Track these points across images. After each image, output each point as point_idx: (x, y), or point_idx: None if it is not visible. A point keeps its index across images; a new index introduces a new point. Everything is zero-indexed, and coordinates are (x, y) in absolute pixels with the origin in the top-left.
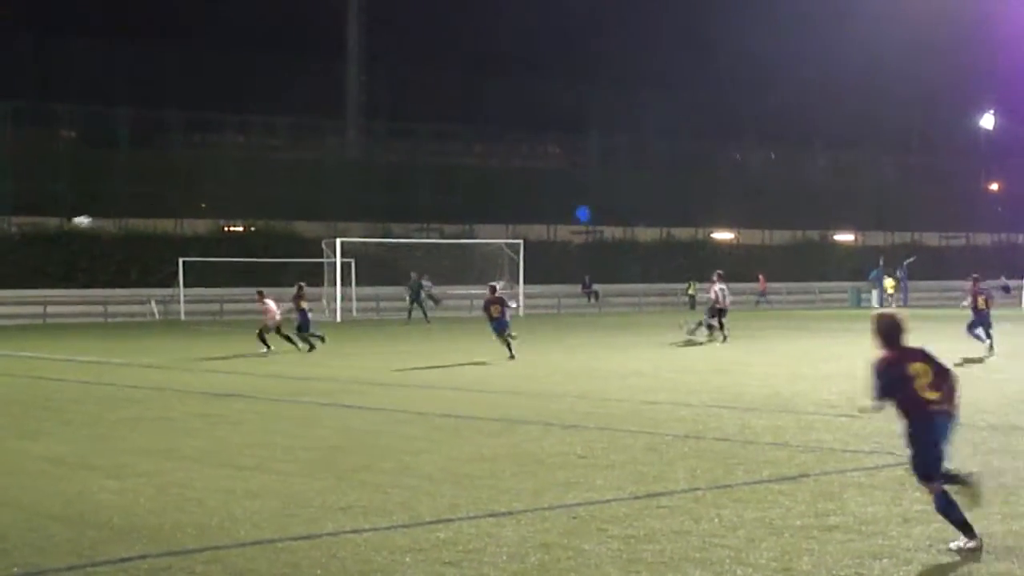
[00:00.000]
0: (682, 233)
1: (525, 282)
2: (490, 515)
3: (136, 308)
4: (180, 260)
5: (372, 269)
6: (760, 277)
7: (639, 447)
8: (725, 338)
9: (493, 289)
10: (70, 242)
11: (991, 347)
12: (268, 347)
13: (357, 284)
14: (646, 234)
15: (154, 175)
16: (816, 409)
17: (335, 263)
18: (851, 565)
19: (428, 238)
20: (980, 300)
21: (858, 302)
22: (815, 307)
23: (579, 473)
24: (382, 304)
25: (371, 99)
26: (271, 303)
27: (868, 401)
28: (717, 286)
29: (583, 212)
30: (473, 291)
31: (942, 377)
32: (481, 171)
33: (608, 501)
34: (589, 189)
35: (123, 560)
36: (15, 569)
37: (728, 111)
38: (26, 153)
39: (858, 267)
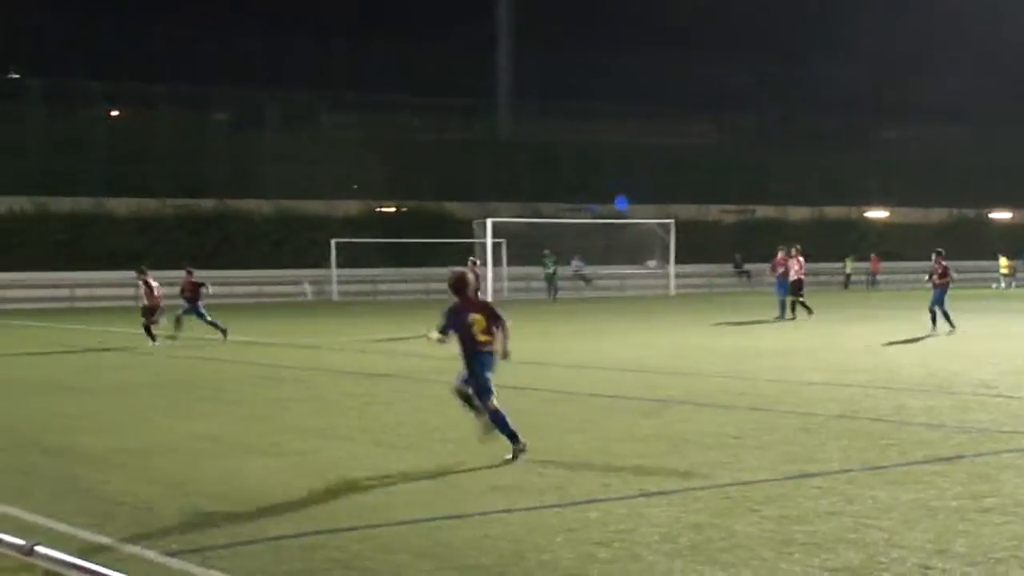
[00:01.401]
0: (835, 212)
1: (676, 261)
2: (641, 495)
3: (289, 289)
4: (332, 241)
5: (523, 249)
6: (872, 257)
7: (791, 427)
8: (794, 316)
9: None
10: (224, 224)
11: None
12: None
13: (508, 264)
14: (798, 212)
15: (306, 157)
16: (972, 389)
17: (486, 243)
18: (1008, 548)
19: (579, 217)
20: None
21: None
22: (970, 286)
23: (731, 453)
24: (533, 284)
25: (520, 78)
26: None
27: (435, 333)
28: (796, 261)
29: (621, 201)
30: (625, 271)
31: (494, 324)
32: (631, 149)
33: (760, 481)
34: (741, 167)
35: (277, 538)
36: (173, 546)
37: (882, 87)
38: (181, 136)
39: (1019, 246)
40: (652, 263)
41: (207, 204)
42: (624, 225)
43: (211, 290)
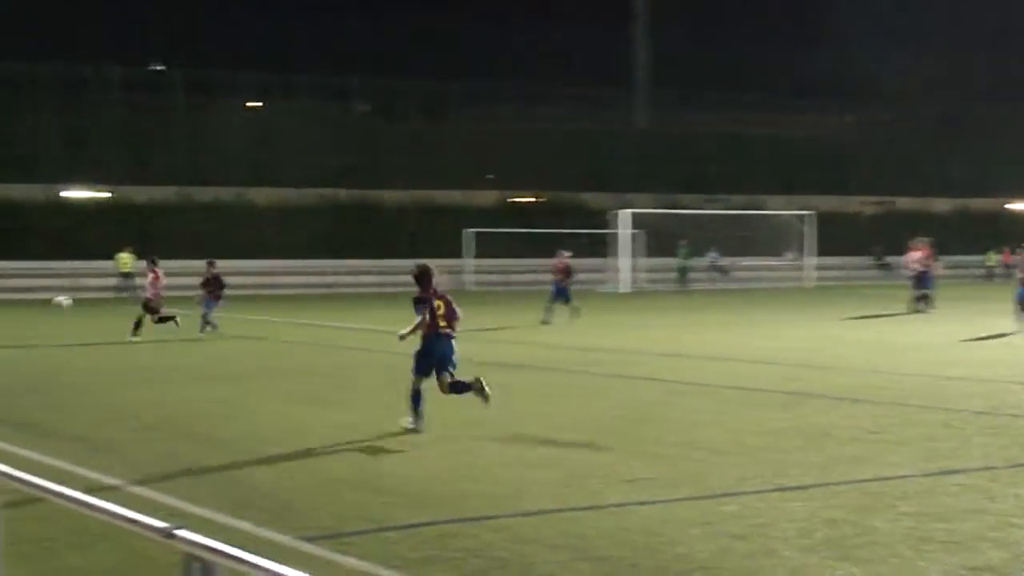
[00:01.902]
0: (979, 204)
1: (814, 253)
2: (778, 489)
3: None
4: (467, 231)
5: (660, 240)
6: (1006, 251)
7: (932, 423)
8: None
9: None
10: (361, 213)
11: None
12: None
13: (646, 255)
14: (941, 204)
15: (443, 146)
16: None
17: (622, 234)
18: None
19: (716, 209)
20: None
21: None
22: None
23: (869, 448)
24: (669, 275)
25: (658, 68)
26: None
27: (405, 329)
28: (918, 255)
29: None
30: (762, 262)
31: (451, 314)
32: (771, 140)
33: (900, 478)
34: (882, 158)
35: (412, 526)
36: (309, 532)
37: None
38: (321, 126)
39: None
40: (790, 255)
41: (345, 194)
42: (762, 217)
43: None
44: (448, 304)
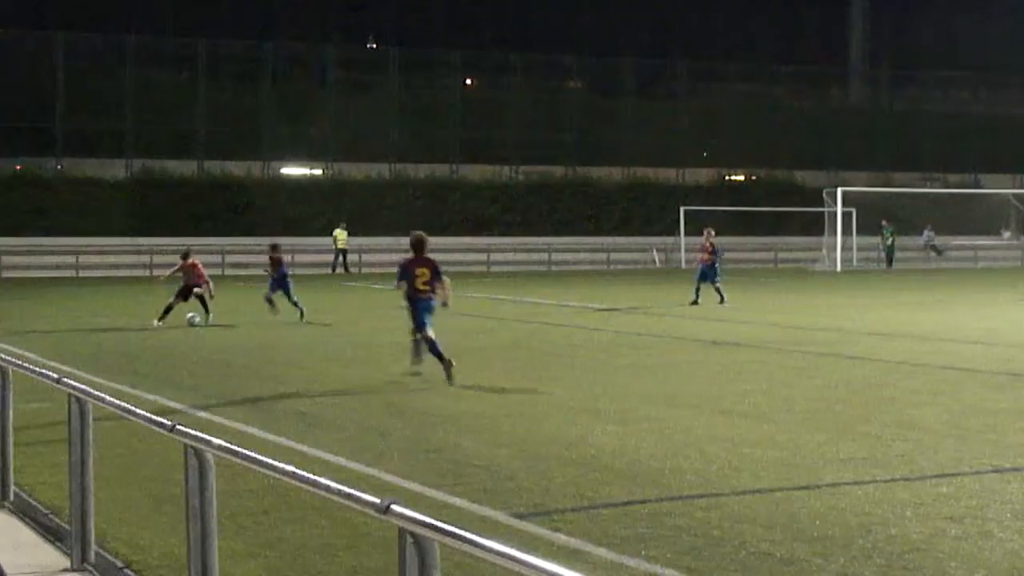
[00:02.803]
0: None
1: None
2: (994, 471)
3: (638, 256)
4: (681, 208)
5: (874, 219)
6: None
7: None
8: None
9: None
10: (575, 191)
11: None
12: None
13: (859, 234)
14: None
15: (658, 124)
16: None
17: (836, 213)
18: None
19: (931, 187)
20: None
21: None
22: None
23: None
24: (883, 254)
25: (875, 46)
26: None
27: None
28: None
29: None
30: (978, 242)
31: (436, 278)
32: (990, 118)
33: None
34: None
35: (624, 503)
36: (521, 508)
37: None
38: (536, 104)
39: None
40: (1007, 234)
41: (559, 171)
42: (978, 195)
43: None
44: (433, 270)
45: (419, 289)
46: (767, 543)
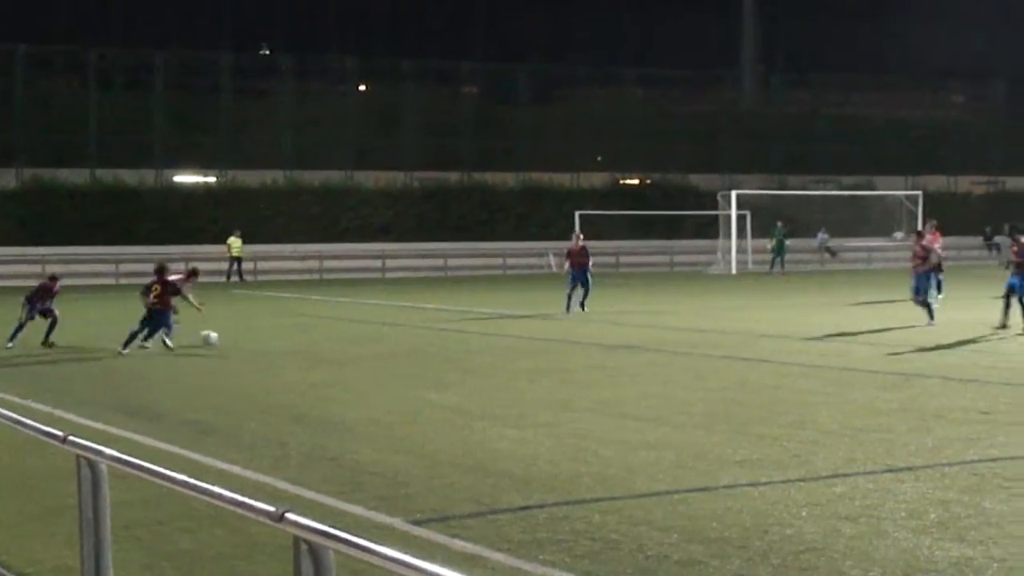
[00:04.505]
0: None
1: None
2: (888, 470)
3: (534, 261)
4: (576, 213)
5: (768, 221)
6: None
7: None
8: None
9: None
10: (470, 197)
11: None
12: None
13: (754, 236)
14: None
15: (553, 129)
16: None
17: (730, 215)
18: None
19: (825, 190)
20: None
21: None
22: None
23: (980, 429)
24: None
25: (767, 50)
26: None
27: None
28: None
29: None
30: (871, 243)
31: (168, 293)
32: (881, 121)
33: (1012, 458)
34: (993, 138)
35: (522, 508)
36: (419, 515)
37: None
38: (431, 110)
39: None
40: (899, 235)
41: (454, 177)
42: (871, 197)
43: None
44: (164, 287)
45: (153, 302)
46: (664, 545)
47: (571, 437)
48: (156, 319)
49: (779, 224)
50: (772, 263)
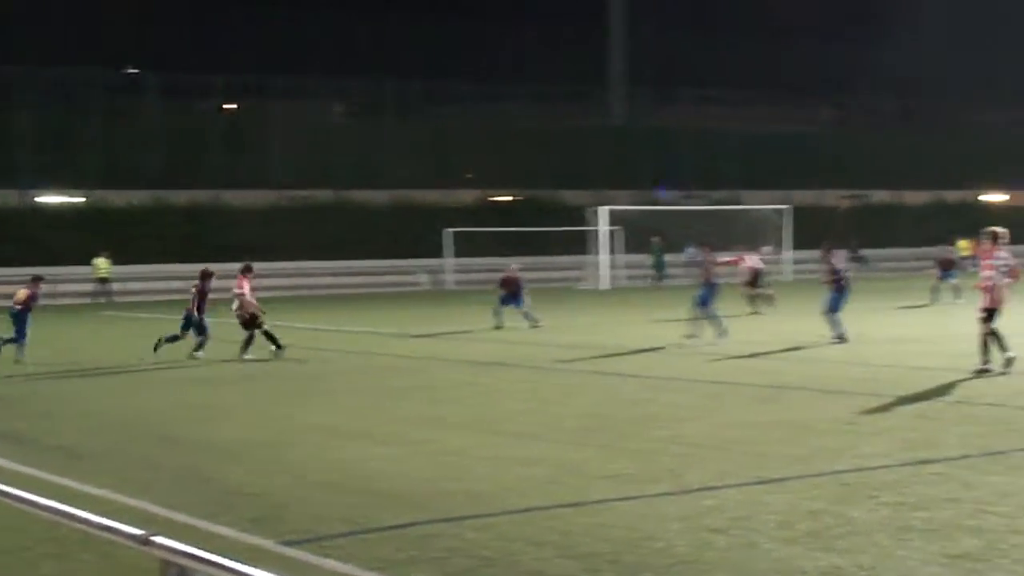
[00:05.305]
0: (952, 196)
1: (793, 248)
2: (758, 482)
3: (405, 278)
4: (446, 230)
5: (639, 236)
6: (975, 241)
7: (909, 413)
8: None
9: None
10: (341, 214)
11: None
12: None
13: (625, 251)
14: (916, 197)
15: (421, 147)
16: None
17: (601, 231)
18: None
19: (694, 204)
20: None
21: None
22: None
23: (848, 440)
24: (648, 272)
25: (635, 66)
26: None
27: None
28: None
29: (662, 190)
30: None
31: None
32: (748, 135)
33: (877, 468)
34: (858, 152)
35: (395, 527)
36: (290, 535)
37: (999, 71)
38: (298, 128)
39: None
40: (767, 249)
41: (324, 195)
42: (739, 211)
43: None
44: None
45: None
46: (538, 561)
47: (443, 454)
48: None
49: (655, 240)
50: (654, 277)
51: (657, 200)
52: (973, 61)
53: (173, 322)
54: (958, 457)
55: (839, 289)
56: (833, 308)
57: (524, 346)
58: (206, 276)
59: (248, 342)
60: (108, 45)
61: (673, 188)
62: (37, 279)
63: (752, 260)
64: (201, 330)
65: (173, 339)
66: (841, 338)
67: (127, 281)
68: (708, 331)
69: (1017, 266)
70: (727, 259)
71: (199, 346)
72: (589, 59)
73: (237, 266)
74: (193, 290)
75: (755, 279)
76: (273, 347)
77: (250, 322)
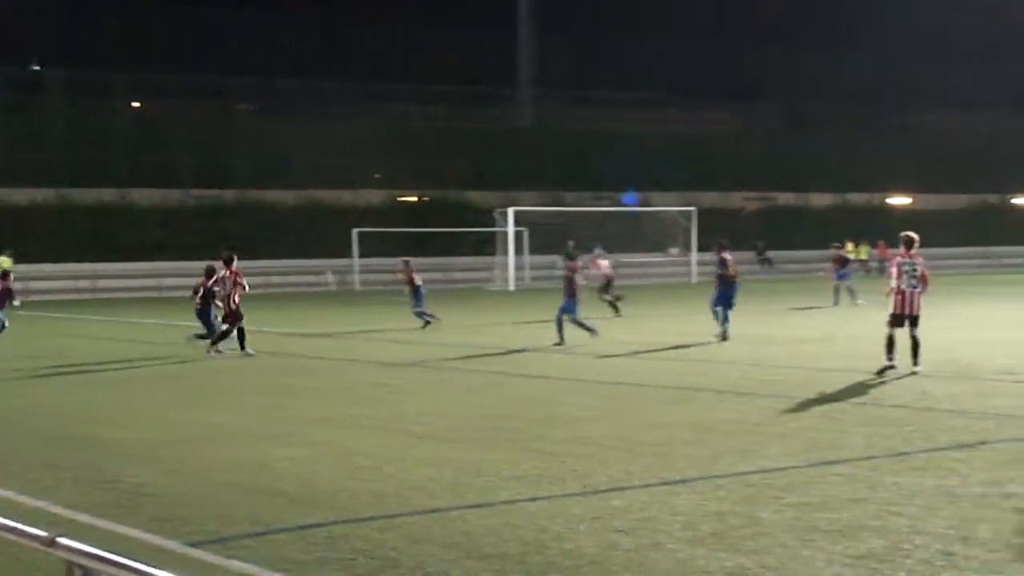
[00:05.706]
0: (857, 199)
1: (699, 249)
2: (664, 483)
3: (313, 279)
4: (354, 231)
5: (546, 238)
6: (880, 244)
7: (814, 414)
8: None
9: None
10: (248, 214)
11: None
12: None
13: (531, 253)
14: (820, 200)
15: (328, 146)
16: (994, 376)
17: (508, 232)
18: None
19: (601, 206)
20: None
21: None
22: (993, 272)
23: (753, 441)
24: (557, 273)
25: (544, 67)
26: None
27: None
28: (600, 260)
29: (631, 198)
30: (647, 259)
31: None
32: (654, 138)
33: (783, 469)
34: (763, 155)
35: (301, 528)
36: (195, 536)
37: (901, 74)
38: (204, 127)
39: None
40: (674, 251)
41: (230, 194)
42: (646, 213)
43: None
44: None
45: None
46: (444, 563)
47: (350, 455)
48: None
49: (571, 243)
50: None
51: (624, 207)
52: (880, 63)
53: (76, 323)
54: (863, 458)
55: (724, 285)
56: (720, 302)
57: (431, 347)
58: (210, 274)
59: (223, 335)
60: (11, 41)
61: (635, 192)
62: None
63: (606, 265)
64: (208, 326)
65: (223, 336)
66: (722, 336)
67: (31, 280)
68: (581, 334)
69: (927, 273)
70: (581, 265)
71: (215, 340)
72: (501, 61)
73: (143, 266)
74: (202, 288)
75: (608, 284)
76: (239, 348)
77: (232, 316)
